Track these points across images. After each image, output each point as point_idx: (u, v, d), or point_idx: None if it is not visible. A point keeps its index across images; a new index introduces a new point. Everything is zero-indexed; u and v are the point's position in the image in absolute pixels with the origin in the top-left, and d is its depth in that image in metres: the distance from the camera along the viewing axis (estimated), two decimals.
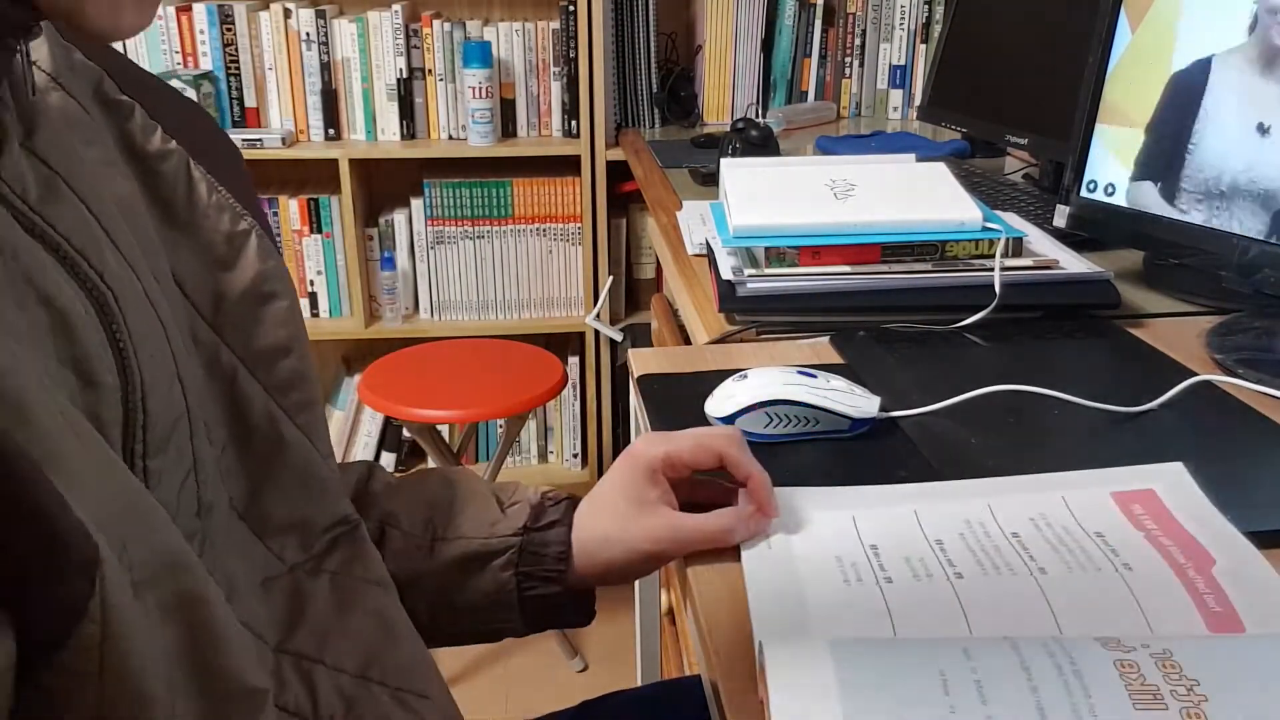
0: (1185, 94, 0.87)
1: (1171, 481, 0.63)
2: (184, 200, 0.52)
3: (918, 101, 2.16)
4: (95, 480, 0.33)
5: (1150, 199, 0.90)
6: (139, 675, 0.32)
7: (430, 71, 2.06)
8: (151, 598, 0.35)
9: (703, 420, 0.73)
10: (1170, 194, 0.88)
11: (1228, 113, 0.84)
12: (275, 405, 0.54)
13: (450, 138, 2.10)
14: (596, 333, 2.17)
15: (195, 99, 1.93)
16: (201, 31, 1.99)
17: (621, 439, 2.20)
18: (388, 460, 2.33)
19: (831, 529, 0.60)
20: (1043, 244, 1.00)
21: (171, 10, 1.98)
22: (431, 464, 2.32)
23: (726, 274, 0.93)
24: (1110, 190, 0.95)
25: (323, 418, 0.58)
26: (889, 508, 0.62)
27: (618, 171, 2.08)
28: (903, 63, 2.18)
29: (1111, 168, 0.95)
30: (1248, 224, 0.82)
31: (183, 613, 0.37)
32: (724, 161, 1.05)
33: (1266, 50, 0.81)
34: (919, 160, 1.05)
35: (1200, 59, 0.86)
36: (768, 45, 2.14)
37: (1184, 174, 0.87)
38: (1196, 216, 0.86)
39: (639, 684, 1.18)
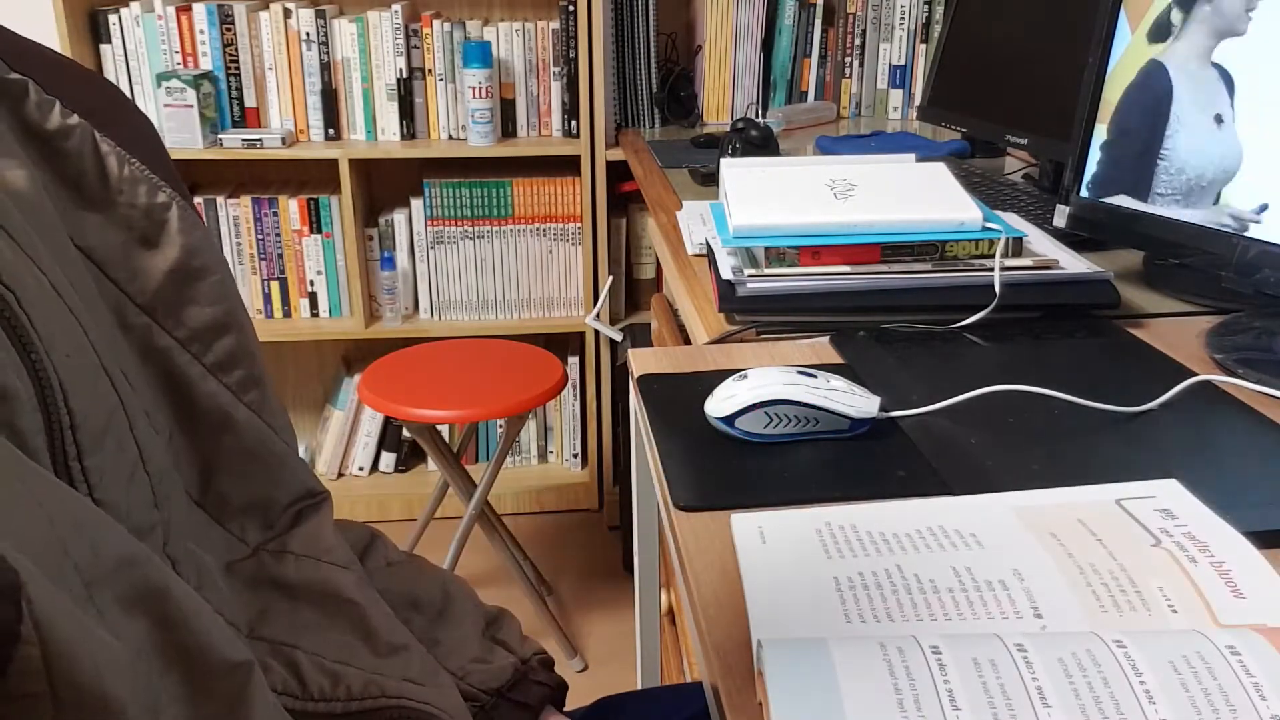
0: (1151, 103, 0.88)
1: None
2: (94, 177, 0.49)
3: (918, 101, 2.16)
4: (9, 495, 0.32)
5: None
6: (95, 681, 0.31)
7: (430, 71, 2.06)
8: (108, 595, 0.34)
9: (703, 420, 0.73)
10: (1144, 200, 0.89)
11: (1193, 112, 0.85)
12: (218, 384, 0.52)
13: (450, 138, 2.10)
14: (596, 333, 2.17)
15: (195, 99, 1.93)
16: (201, 31, 1.99)
17: (621, 439, 2.20)
18: (387, 460, 2.33)
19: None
20: (1043, 244, 1.00)
21: (171, 10, 1.98)
22: (431, 465, 2.32)
23: (726, 274, 0.93)
24: None
25: (273, 394, 0.56)
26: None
27: (618, 171, 2.08)
28: (903, 63, 2.18)
29: None
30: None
31: (146, 604, 0.36)
32: (724, 161, 1.05)
33: (1201, 42, 0.82)
34: (919, 160, 1.05)
35: (1149, 66, 0.86)
36: (768, 45, 2.14)
37: (1157, 179, 0.87)
38: (1172, 212, 0.87)
39: (639, 684, 1.18)
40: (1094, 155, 0.93)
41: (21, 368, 0.38)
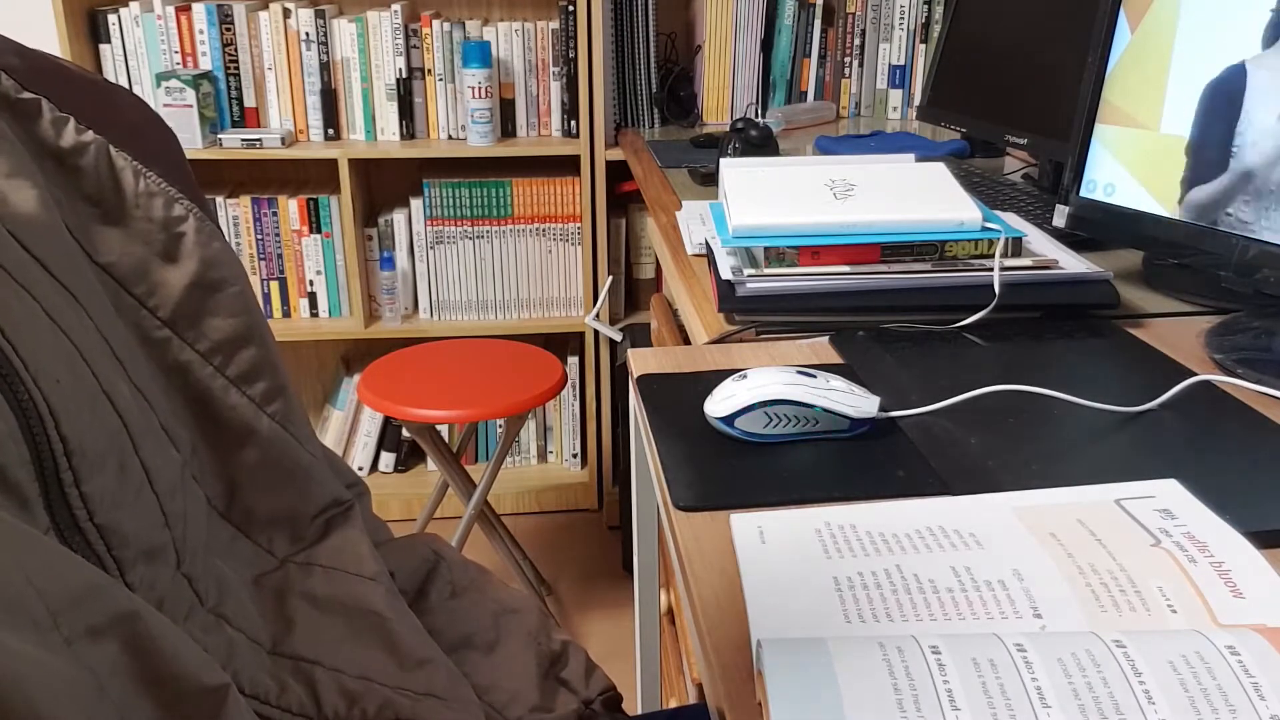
0: (1223, 101, 0.86)
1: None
2: (111, 193, 0.49)
3: (917, 101, 2.16)
4: None
5: (1208, 208, 0.88)
6: (27, 706, 0.30)
7: (430, 71, 2.06)
8: (78, 624, 0.34)
9: (702, 420, 0.73)
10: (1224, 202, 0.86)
11: (1267, 113, 0.82)
12: (241, 396, 0.52)
13: (450, 138, 2.10)
14: (596, 333, 2.17)
15: (194, 99, 1.93)
16: (201, 31, 1.99)
17: (621, 439, 2.20)
18: (387, 460, 2.33)
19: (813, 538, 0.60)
20: (1042, 244, 1.00)
21: (171, 10, 1.97)
22: (431, 465, 2.32)
23: (726, 274, 0.93)
24: (1110, 190, 0.95)
25: (298, 405, 0.56)
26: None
27: (617, 171, 2.08)
28: (902, 63, 2.18)
29: (1111, 168, 0.95)
30: None
31: (115, 630, 0.36)
32: (723, 161, 1.05)
33: None
34: (919, 160, 1.05)
35: (1233, 65, 0.84)
36: (767, 45, 2.14)
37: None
38: (1247, 216, 0.84)
39: (639, 683, 1.18)
40: (1157, 167, 0.89)
41: (0, 398, 0.38)
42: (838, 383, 0.72)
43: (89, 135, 0.49)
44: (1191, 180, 0.88)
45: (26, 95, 0.48)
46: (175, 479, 0.46)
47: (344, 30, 2.02)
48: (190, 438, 0.50)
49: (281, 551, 0.54)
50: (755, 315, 0.92)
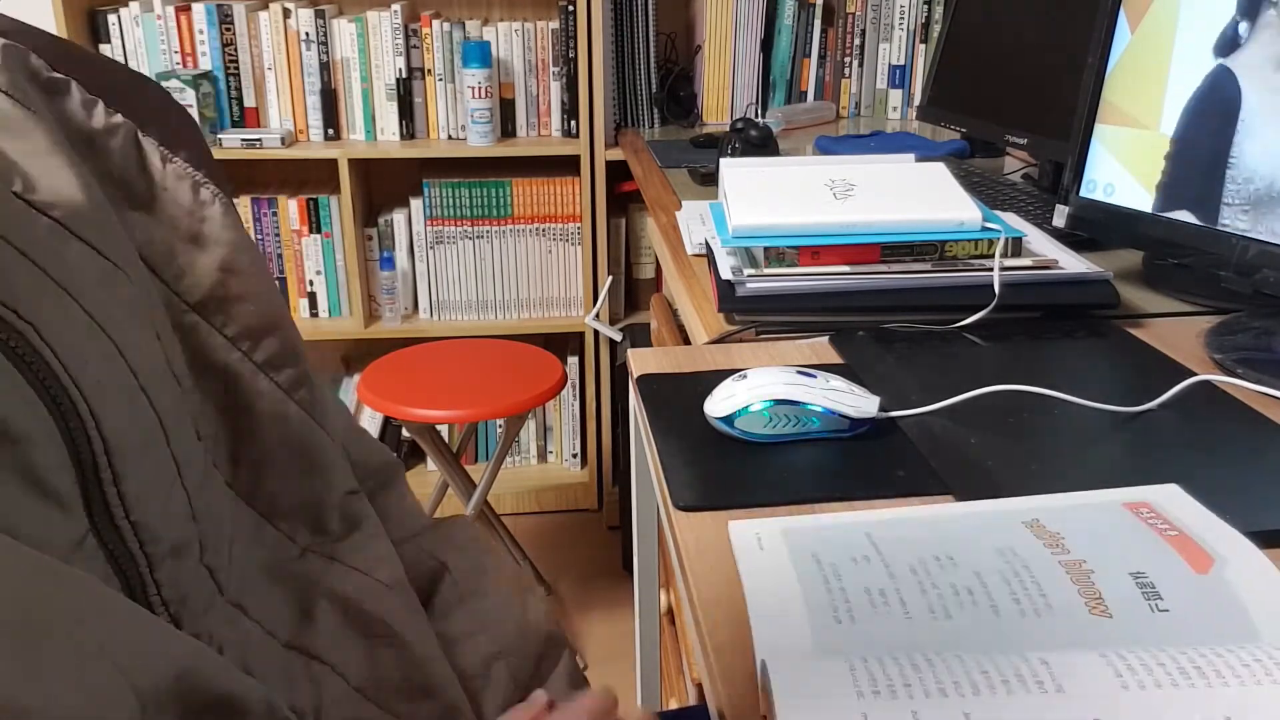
0: (1215, 108, 0.85)
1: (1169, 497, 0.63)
2: (138, 176, 0.49)
3: (917, 101, 2.16)
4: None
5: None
6: None
7: (430, 71, 2.06)
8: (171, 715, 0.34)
9: (702, 420, 0.72)
10: (1211, 218, 0.85)
11: (1264, 118, 0.82)
12: (269, 382, 0.52)
13: (450, 138, 2.10)
14: (596, 333, 2.17)
15: (194, 99, 1.93)
16: (200, 31, 1.99)
17: (621, 439, 2.20)
18: None
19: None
20: (1042, 244, 1.00)
21: (171, 10, 1.97)
22: (431, 465, 2.31)
23: (726, 274, 0.93)
24: (1110, 190, 0.95)
25: (321, 393, 0.55)
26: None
27: (617, 171, 2.08)
28: (902, 63, 2.18)
29: (1111, 168, 0.95)
30: None
31: (211, 715, 0.36)
32: (723, 161, 1.05)
33: (1274, 48, 0.80)
34: (918, 160, 1.05)
35: (1215, 72, 0.84)
36: (767, 45, 2.14)
37: (1226, 190, 0.84)
38: (1240, 226, 0.83)
39: (638, 683, 1.18)
40: (1156, 167, 0.88)
41: (39, 403, 0.37)
42: (838, 383, 0.71)
43: (118, 117, 0.48)
44: (1170, 185, 0.87)
45: (57, 74, 0.47)
46: (201, 470, 0.46)
47: (344, 30, 2.02)
48: (214, 423, 0.50)
49: (303, 540, 0.54)
50: (755, 315, 0.92)
